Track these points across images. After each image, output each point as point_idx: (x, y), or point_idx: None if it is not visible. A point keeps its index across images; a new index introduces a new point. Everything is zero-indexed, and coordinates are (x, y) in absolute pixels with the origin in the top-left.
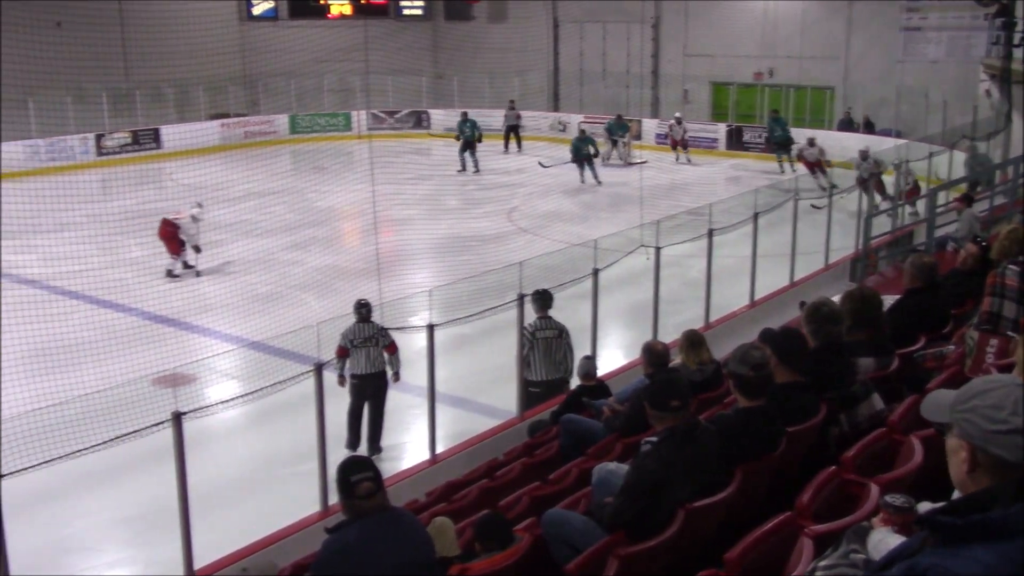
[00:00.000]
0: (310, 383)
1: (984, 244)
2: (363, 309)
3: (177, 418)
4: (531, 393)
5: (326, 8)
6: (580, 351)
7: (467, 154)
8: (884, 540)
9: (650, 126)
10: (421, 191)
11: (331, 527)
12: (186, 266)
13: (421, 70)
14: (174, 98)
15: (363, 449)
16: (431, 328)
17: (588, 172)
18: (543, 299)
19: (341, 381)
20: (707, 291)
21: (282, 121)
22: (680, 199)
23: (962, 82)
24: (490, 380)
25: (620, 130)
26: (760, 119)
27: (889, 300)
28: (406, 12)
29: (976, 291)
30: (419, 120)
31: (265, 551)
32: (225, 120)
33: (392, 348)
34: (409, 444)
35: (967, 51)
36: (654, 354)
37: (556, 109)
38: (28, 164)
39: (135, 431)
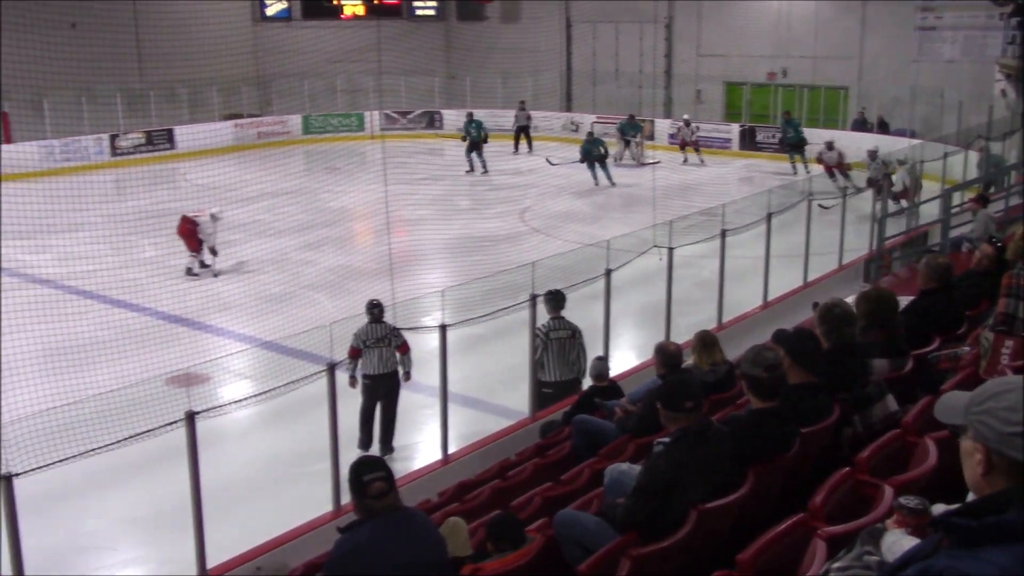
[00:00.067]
0: (323, 383)
1: (999, 245)
2: (375, 309)
3: (190, 418)
4: (544, 394)
5: (339, 9)
6: (592, 352)
7: (474, 155)
8: (898, 542)
9: (663, 126)
10: (434, 191)
11: (343, 527)
12: (202, 265)
13: (434, 70)
14: (188, 99)
15: (375, 449)
16: (443, 328)
17: (601, 173)
18: (556, 299)
19: (352, 382)
20: (720, 292)
21: (295, 121)
22: (693, 199)
23: (977, 82)
24: (502, 380)
25: (632, 130)
26: (774, 119)
27: (903, 301)
28: (419, 12)
29: (991, 292)
30: (432, 120)
31: (277, 551)
32: (238, 120)
33: (404, 348)
34: (421, 444)
35: (982, 51)
36: (667, 355)
37: (569, 109)
38: (43, 164)
39: (149, 430)
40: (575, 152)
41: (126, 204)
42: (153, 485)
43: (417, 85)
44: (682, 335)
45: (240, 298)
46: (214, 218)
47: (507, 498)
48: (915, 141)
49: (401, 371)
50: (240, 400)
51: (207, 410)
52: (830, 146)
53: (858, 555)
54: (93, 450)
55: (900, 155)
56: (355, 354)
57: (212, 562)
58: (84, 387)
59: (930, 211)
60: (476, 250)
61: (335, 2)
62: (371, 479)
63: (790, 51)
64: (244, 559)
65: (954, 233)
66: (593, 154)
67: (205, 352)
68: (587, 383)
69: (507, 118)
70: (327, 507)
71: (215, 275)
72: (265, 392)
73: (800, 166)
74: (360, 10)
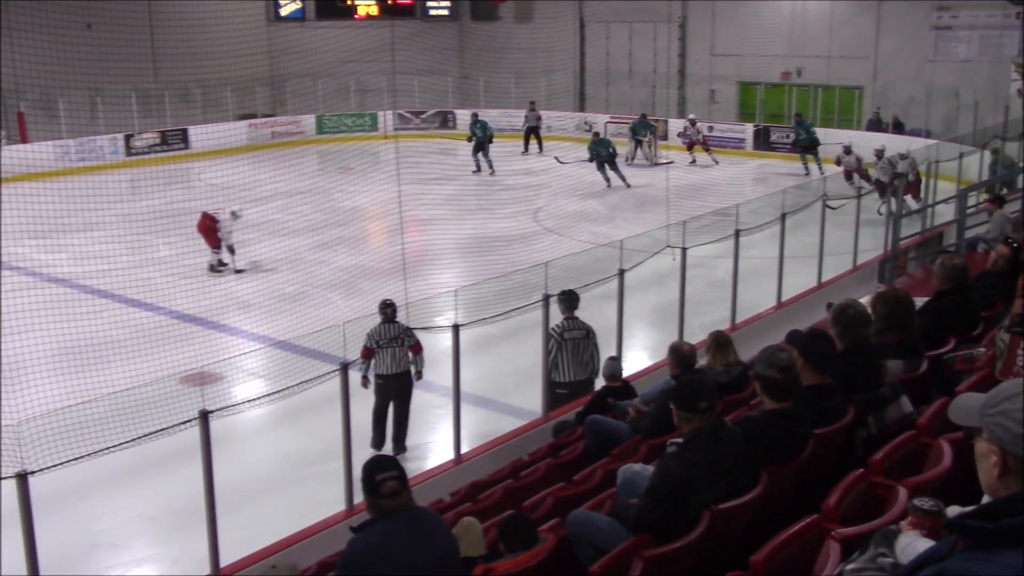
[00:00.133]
0: (335, 383)
1: (1015, 245)
2: (388, 309)
3: (204, 416)
4: (558, 394)
5: (353, 9)
6: (605, 352)
7: (480, 155)
8: (912, 544)
9: (676, 126)
10: (447, 191)
11: (356, 526)
12: (220, 264)
13: (447, 70)
14: (202, 99)
15: (388, 448)
16: (456, 328)
17: (613, 174)
18: (570, 300)
19: (365, 383)
20: (733, 292)
21: (309, 121)
22: (706, 199)
23: (993, 81)
24: (515, 380)
25: (644, 130)
26: (788, 119)
27: (918, 302)
28: (432, 12)
29: (1007, 293)
30: (445, 120)
31: (290, 550)
32: (253, 120)
33: (417, 348)
34: (434, 444)
35: (999, 50)
36: (681, 355)
37: (582, 109)
38: (58, 164)
39: (163, 429)
40: (586, 152)
41: (141, 204)
42: (166, 484)
43: (430, 85)
44: (695, 335)
45: (254, 297)
46: (234, 216)
47: (519, 498)
48: (930, 141)
49: (413, 371)
50: (253, 399)
51: (221, 409)
52: (848, 150)
53: (872, 557)
54: (107, 448)
55: (902, 150)
56: (368, 354)
57: (225, 560)
58: (99, 386)
59: (946, 211)
60: (489, 250)
61: (349, 2)
62: (384, 478)
63: (804, 51)
64: (257, 558)
65: (970, 234)
66: (601, 155)
67: (219, 351)
68: (600, 383)
69: (520, 118)
70: (340, 506)
71: (237, 272)
72: (278, 391)
73: (814, 166)
74: (374, 10)
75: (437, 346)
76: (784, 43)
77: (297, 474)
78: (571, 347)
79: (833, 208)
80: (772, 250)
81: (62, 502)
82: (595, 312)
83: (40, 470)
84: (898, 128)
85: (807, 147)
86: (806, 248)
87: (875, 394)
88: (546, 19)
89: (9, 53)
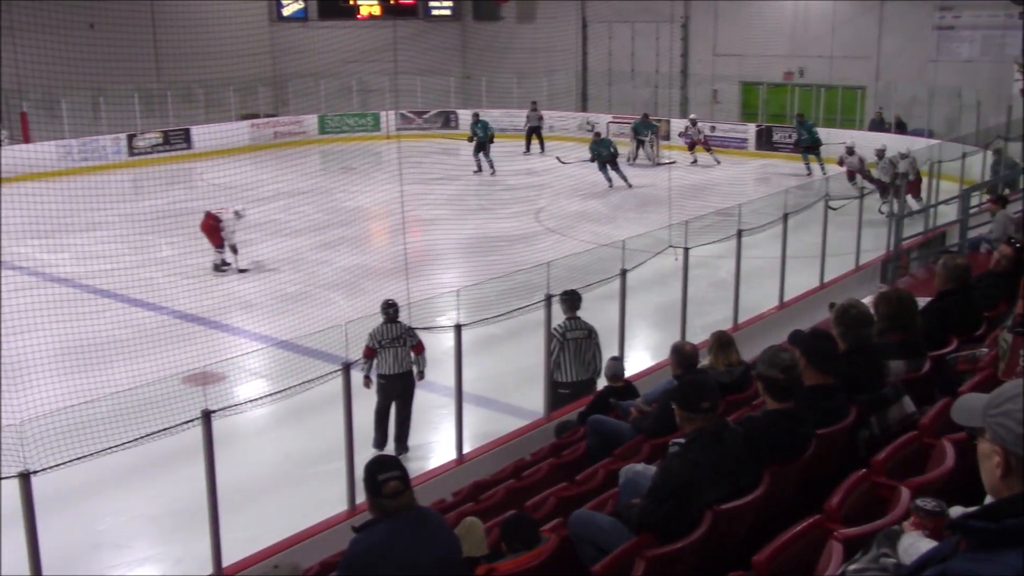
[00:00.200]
0: (338, 382)
1: (1018, 245)
2: (390, 309)
3: (206, 416)
4: (560, 394)
5: (355, 9)
6: (607, 352)
7: (481, 155)
8: (915, 544)
9: (678, 126)
10: (449, 191)
11: (358, 526)
12: (224, 263)
13: (449, 70)
14: (204, 99)
15: (390, 448)
16: (458, 328)
17: (615, 175)
18: (572, 300)
19: (367, 383)
20: (736, 292)
21: (311, 121)
22: (709, 199)
23: (996, 81)
24: (517, 380)
25: (645, 129)
26: (790, 119)
27: (921, 302)
28: (435, 12)
29: (1010, 293)
30: (447, 120)
31: (292, 550)
32: (255, 120)
33: (419, 348)
34: (436, 444)
35: (1001, 50)
36: (683, 355)
37: (584, 109)
38: (61, 164)
39: (165, 429)
40: (587, 152)
41: (143, 204)
42: (169, 483)
43: (433, 85)
44: (698, 335)
45: (256, 297)
46: (238, 215)
47: (522, 498)
48: (933, 141)
49: (415, 371)
50: (256, 399)
51: (223, 409)
52: (851, 151)
53: (875, 557)
54: (110, 448)
55: (903, 149)
56: (370, 354)
57: (227, 560)
58: (101, 385)
59: (948, 212)
60: (491, 250)
61: (351, 2)
62: (386, 478)
63: (807, 51)
64: (259, 558)
65: (973, 234)
66: (602, 155)
67: (221, 351)
68: (602, 383)
69: (522, 118)
70: (342, 506)
71: (240, 272)
72: (280, 391)
73: (816, 166)
74: (376, 10)
75: (439, 346)
76: (786, 43)
77: (299, 474)
78: (573, 347)
79: (834, 209)
80: (774, 250)
81: (65, 502)
82: (597, 312)
83: (43, 470)
84: (900, 128)
85: (809, 147)
86: (808, 248)
87: (878, 394)
88: (548, 19)
89: (12, 53)
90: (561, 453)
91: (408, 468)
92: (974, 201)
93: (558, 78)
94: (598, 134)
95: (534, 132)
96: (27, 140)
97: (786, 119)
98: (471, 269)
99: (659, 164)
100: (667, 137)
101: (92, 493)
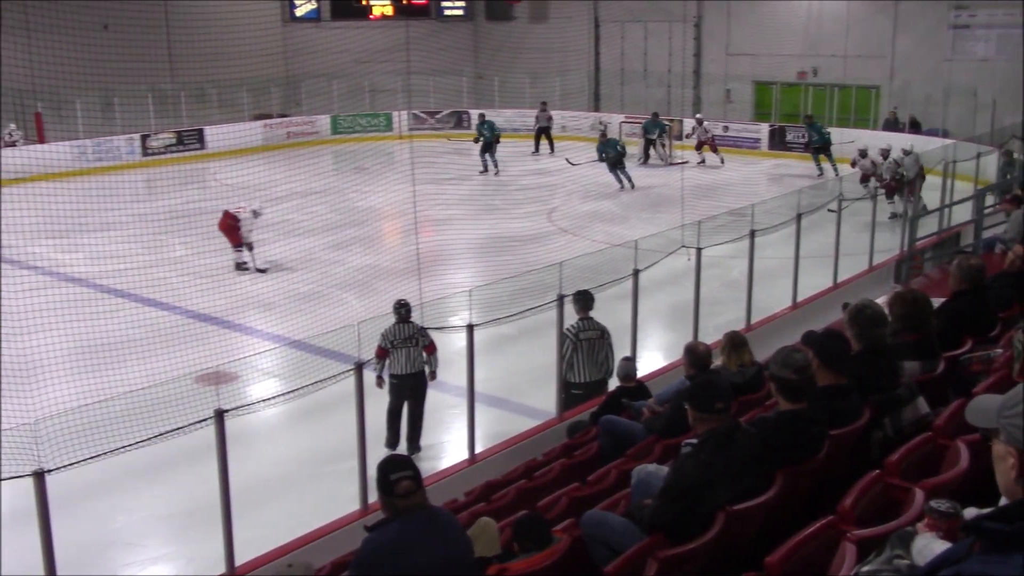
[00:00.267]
0: (350, 382)
1: None
2: (402, 309)
3: (219, 416)
4: (573, 395)
5: (368, 9)
6: (620, 352)
7: (487, 155)
8: (929, 546)
9: (689, 127)
10: (461, 191)
11: (370, 525)
12: (243, 263)
13: (462, 70)
14: (218, 99)
15: (402, 448)
16: (471, 328)
17: (622, 175)
18: (584, 300)
19: (379, 383)
20: (748, 292)
21: (324, 121)
22: (721, 199)
23: (1012, 81)
24: (529, 380)
25: (655, 128)
26: (801, 120)
27: (935, 303)
28: (447, 13)
29: None
30: (460, 120)
31: (305, 549)
32: (268, 121)
33: (431, 348)
34: (448, 444)
35: (1017, 49)
36: (696, 355)
37: (597, 109)
38: (75, 164)
39: (178, 428)
40: (595, 152)
41: (157, 204)
42: (182, 482)
43: (445, 85)
44: (710, 336)
45: (269, 297)
46: (255, 214)
47: (534, 498)
48: (948, 141)
49: (428, 371)
50: (269, 399)
51: (236, 408)
52: (863, 153)
53: (888, 559)
54: (123, 447)
55: (907, 146)
56: (382, 354)
57: (240, 559)
58: (115, 385)
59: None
60: (503, 250)
61: (364, 2)
62: (398, 478)
63: (820, 50)
64: (272, 557)
65: (987, 234)
66: (609, 155)
67: (234, 351)
68: (614, 383)
69: (534, 118)
70: (354, 506)
71: (259, 271)
72: (293, 391)
73: (828, 166)
74: (388, 10)
75: (451, 346)
76: (800, 42)
77: (312, 473)
78: (586, 347)
79: (833, 211)
80: (787, 250)
81: (78, 500)
82: (610, 312)
83: (57, 468)
84: (915, 128)
85: (819, 148)
86: (822, 248)
87: (891, 395)
88: (561, 19)
89: (27, 54)
90: (573, 453)
91: (420, 468)
92: (989, 201)
93: (570, 78)
94: (604, 134)
95: (543, 132)
96: (42, 140)
97: (799, 119)
98: (483, 269)
99: (672, 164)
100: (679, 137)
101: (105, 492)
